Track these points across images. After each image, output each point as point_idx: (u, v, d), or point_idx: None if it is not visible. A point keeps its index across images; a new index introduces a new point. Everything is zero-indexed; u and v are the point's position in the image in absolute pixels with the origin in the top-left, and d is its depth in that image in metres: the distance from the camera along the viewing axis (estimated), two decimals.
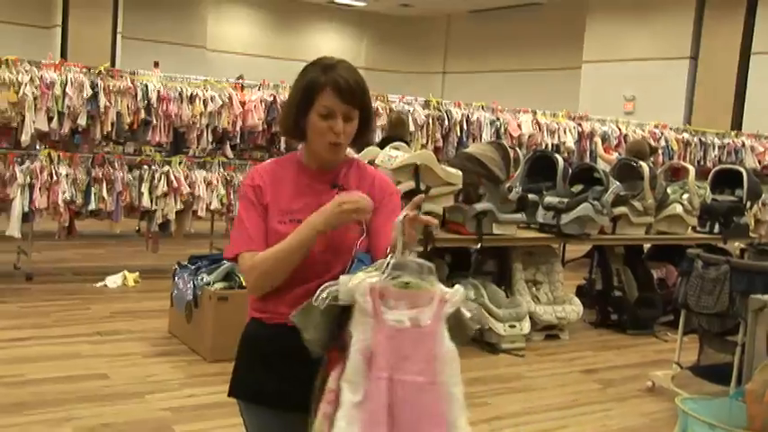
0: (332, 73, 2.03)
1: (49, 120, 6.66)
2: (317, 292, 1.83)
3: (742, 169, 7.71)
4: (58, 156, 6.64)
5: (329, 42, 20.69)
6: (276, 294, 2.04)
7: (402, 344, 1.76)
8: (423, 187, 5.24)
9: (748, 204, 7.50)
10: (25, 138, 6.59)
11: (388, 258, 1.79)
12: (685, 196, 7.04)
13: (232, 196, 7.28)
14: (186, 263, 5.55)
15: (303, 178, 2.12)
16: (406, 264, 1.79)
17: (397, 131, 7.52)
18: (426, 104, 9.14)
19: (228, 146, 7.82)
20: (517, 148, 7.80)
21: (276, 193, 2.09)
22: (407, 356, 1.76)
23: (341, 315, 1.82)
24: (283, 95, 7.90)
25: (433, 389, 1.76)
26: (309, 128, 2.06)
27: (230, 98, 7.50)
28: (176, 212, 7.08)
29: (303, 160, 2.15)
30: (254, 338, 2.12)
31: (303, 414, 1.98)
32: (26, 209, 6.46)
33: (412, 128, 8.74)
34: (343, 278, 1.81)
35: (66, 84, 6.66)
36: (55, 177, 6.54)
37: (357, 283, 1.77)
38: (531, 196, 6.22)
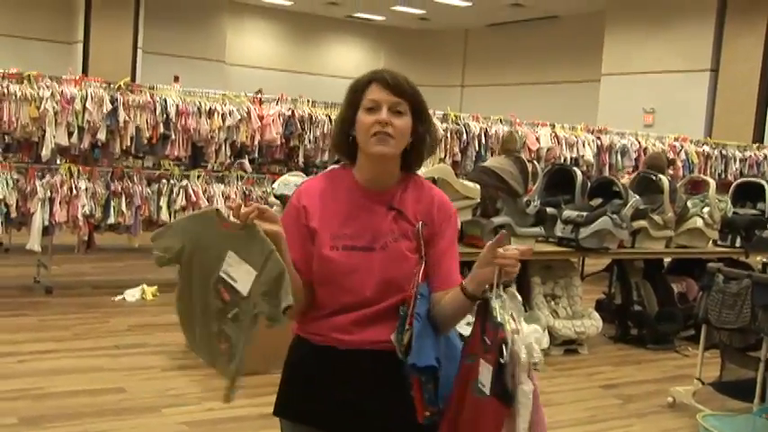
0: (378, 72, 1.98)
1: (70, 134, 6.72)
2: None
3: (764, 182, 7.63)
4: (78, 170, 6.70)
5: (347, 56, 20.80)
6: (326, 317, 1.96)
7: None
8: None
9: None
10: (46, 152, 6.66)
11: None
12: (706, 209, 6.97)
13: None
14: None
15: (357, 198, 1.99)
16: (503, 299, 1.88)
17: (508, 146, 7.74)
18: (444, 118, 9.13)
19: (247, 160, 7.85)
20: (535, 162, 7.77)
21: (325, 216, 1.97)
22: None
23: None
24: (301, 110, 7.93)
25: None
26: (358, 130, 1.95)
27: (249, 112, 7.53)
28: None
29: (356, 177, 2.01)
30: (299, 357, 2.03)
31: None
32: (46, 222, 6.52)
33: None
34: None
35: (86, 99, 6.72)
36: (74, 191, 6.59)
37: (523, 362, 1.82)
38: (549, 210, 6.18)
